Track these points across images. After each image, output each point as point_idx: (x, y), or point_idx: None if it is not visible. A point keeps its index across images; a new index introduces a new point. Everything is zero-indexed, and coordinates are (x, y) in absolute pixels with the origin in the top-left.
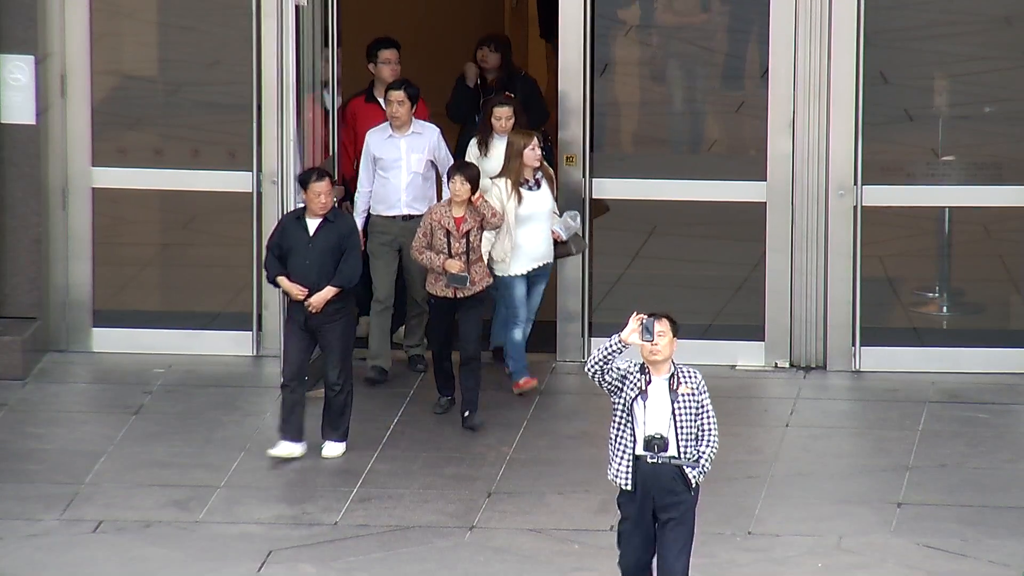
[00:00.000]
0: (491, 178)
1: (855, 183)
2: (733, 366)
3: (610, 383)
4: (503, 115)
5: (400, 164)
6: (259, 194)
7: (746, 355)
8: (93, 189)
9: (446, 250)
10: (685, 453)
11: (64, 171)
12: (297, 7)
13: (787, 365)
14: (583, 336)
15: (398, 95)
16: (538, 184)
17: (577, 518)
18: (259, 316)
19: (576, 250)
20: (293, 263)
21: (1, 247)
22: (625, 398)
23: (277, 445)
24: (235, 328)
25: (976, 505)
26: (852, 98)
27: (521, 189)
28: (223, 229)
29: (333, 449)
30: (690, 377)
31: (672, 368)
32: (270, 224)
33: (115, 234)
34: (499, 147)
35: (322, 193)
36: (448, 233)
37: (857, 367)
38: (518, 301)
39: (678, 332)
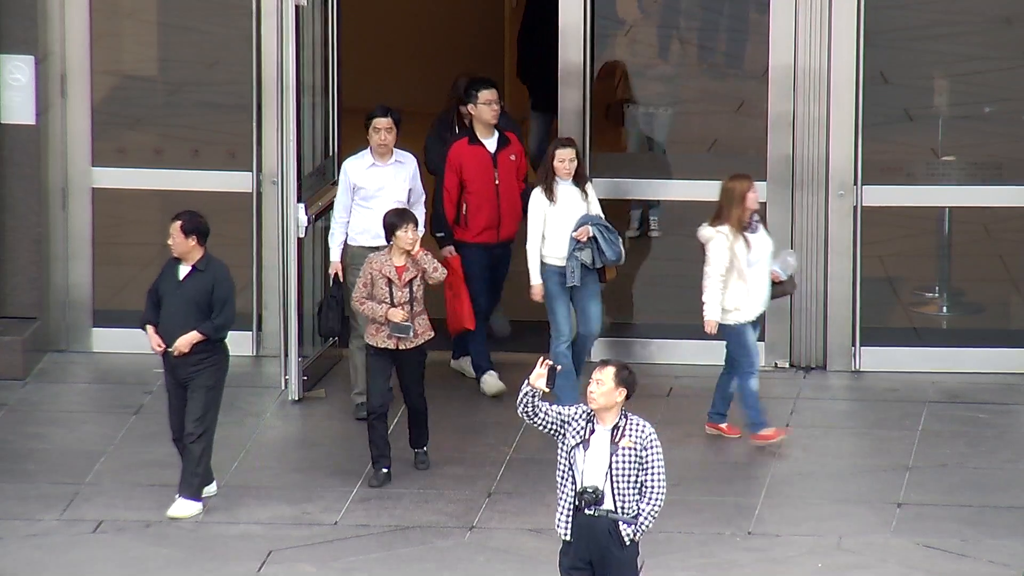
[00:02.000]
0: (710, 226)
1: (855, 183)
2: None
3: (545, 426)
4: (567, 157)
5: (384, 193)
6: (259, 194)
7: None
8: (93, 189)
9: (388, 300)
10: (622, 508)
11: (64, 171)
12: (297, 7)
13: (787, 365)
14: None
15: (385, 122)
16: (757, 226)
17: None
18: (259, 316)
19: (791, 289)
20: (163, 310)
21: (1, 247)
22: (567, 445)
23: (174, 504)
24: (235, 328)
25: (976, 505)
26: (852, 98)
27: (745, 234)
28: (223, 229)
29: (181, 508)
30: (636, 430)
31: (618, 419)
32: (270, 224)
33: (115, 234)
34: (565, 192)
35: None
36: (390, 282)
37: (857, 367)
38: (752, 349)
39: (629, 382)
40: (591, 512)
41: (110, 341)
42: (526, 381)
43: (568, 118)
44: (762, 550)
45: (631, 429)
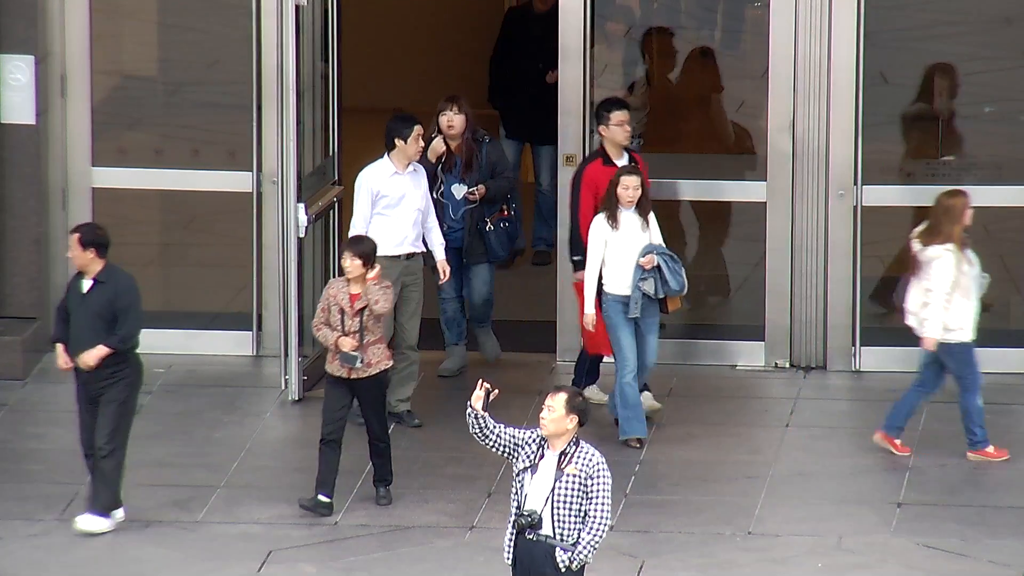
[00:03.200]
0: (926, 243)
1: (855, 183)
2: (733, 366)
3: (498, 448)
4: (631, 184)
5: (405, 201)
6: (259, 194)
7: (746, 355)
8: (93, 189)
9: (340, 328)
10: (561, 534)
11: (64, 171)
12: (297, 7)
13: (787, 365)
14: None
15: (419, 129)
16: (968, 243)
17: None
18: (259, 316)
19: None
20: (71, 325)
21: (1, 247)
22: (516, 468)
23: (81, 518)
24: (235, 328)
25: (976, 505)
26: (852, 98)
27: (965, 251)
28: (223, 229)
29: (89, 523)
30: (583, 457)
31: (567, 445)
32: (270, 224)
33: (115, 234)
34: (627, 220)
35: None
36: (342, 311)
37: (857, 367)
38: (977, 365)
39: (581, 409)
40: (531, 536)
41: None
42: (468, 403)
43: (568, 119)
44: (762, 550)
45: (579, 456)
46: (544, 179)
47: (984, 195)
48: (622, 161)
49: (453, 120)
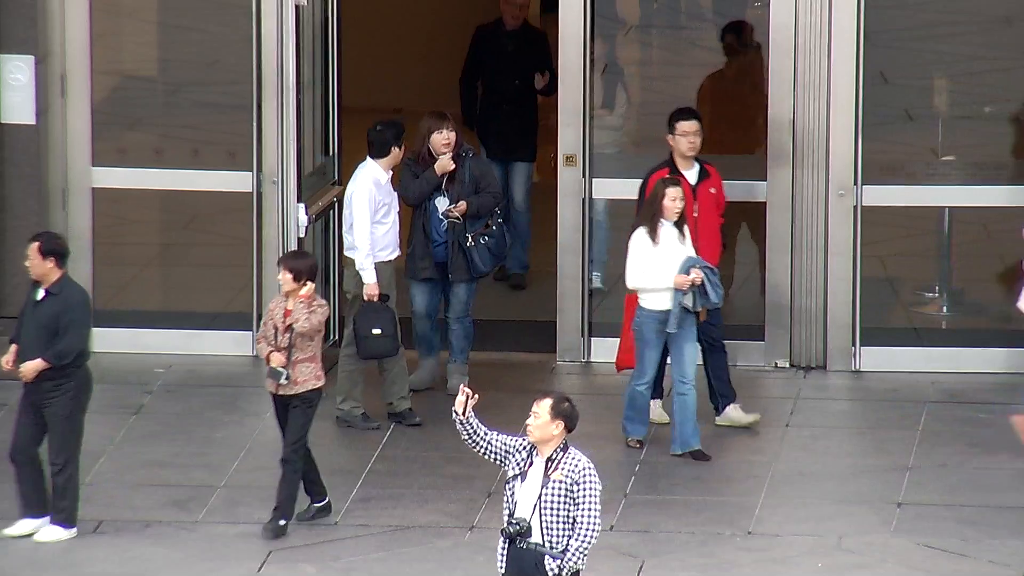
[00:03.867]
0: None
1: (855, 183)
2: (733, 365)
3: (489, 455)
4: (677, 196)
5: (393, 207)
6: (259, 194)
7: (746, 355)
8: (93, 189)
9: (274, 343)
10: (550, 542)
11: (64, 171)
12: (297, 7)
13: (787, 365)
14: (583, 336)
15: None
16: None
17: None
18: (259, 316)
19: None
20: (22, 332)
21: (1, 247)
22: (508, 476)
23: (15, 524)
24: (235, 328)
25: (976, 505)
26: (852, 98)
27: None
28: (223, 229)
29: (48, 533)
30: (570, 463)
31: (555, 451)
32: (270, 224)
33: (115, 234)
34: (667, 234)
35: None
36: (276, 326)
37: (857, 367)
38: None
39: (567, 414)
40: (521, 544)
41: (110, 341)
42: (453, 409)
43: (568, 118)
44: (762, 550)
45: (565, 462)
46: (518, 197)
47: (984, 195)
48: (690, 172)
49: (449, 138)
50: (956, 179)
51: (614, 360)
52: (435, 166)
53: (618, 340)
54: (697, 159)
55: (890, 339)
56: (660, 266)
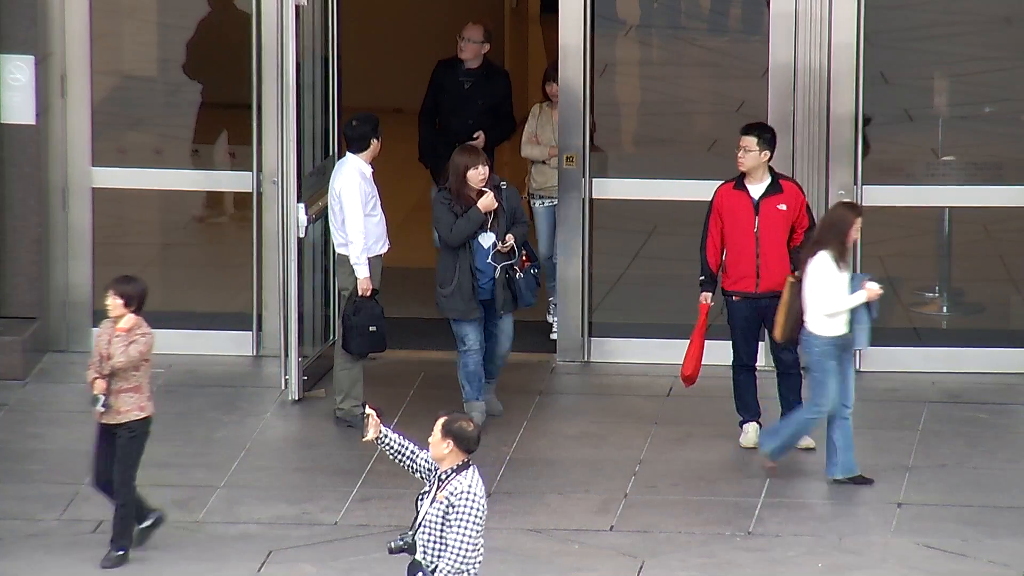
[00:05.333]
0: None
1: (855, 183)
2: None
3: (412, 471)
4: (859, 224)
5: (378, 199)
6: (259, 194)
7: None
8: (93, 189)
9: (99, 367)
10: (430, 561)
11: (64, 171)
12: (297, 7)
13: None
14: (583, 336)
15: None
16: None
17: (577, 518)
18: (259, 316)
19: None
20: None
21: (1, 247)
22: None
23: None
24: (235, 328)
25: (976, 505)
26: (852, 98)
27: None
28: (223, 229)
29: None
30: (456, 484)
31: (449, 471)
32: (270, 224)
33: (115, 234)
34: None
35: None
36: (99, 353)
37: (857, 367)
38: None
39: (455, 432)
40: (412, 559)
41: None
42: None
43: (568, 118)
44: (762, 550)
45: (452, 483)
46: None
47: (984, 195)
48: (756, 186)
49: (484, 173)
50: (956, 179)
51: (679, 371)
52: (479, 205)
53: (615, 339)
54: (775, 174)
55: (890, 339)
56: (841, 291)
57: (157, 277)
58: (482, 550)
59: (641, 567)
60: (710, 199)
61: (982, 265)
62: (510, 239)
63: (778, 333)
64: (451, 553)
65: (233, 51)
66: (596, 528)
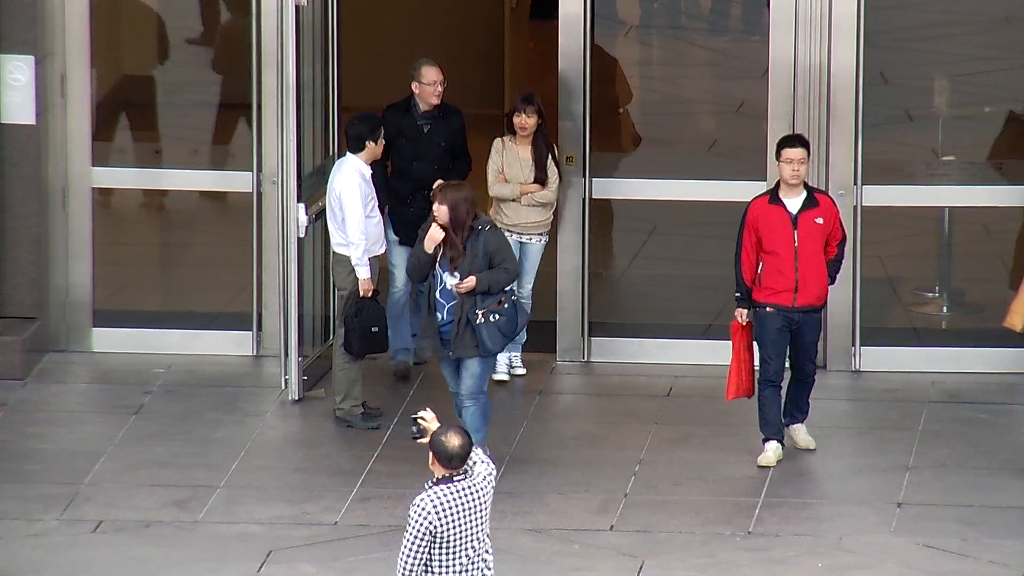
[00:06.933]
0: None
1: (855, 183)
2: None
3: None
4: None
5: (375, 200)
6: (259, 194)
7: None
8: (93, 189)
9: None
10: None
11: (64, 171)
12: (297, 7)
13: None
14: (583, 336)
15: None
16: None
17: (577, 518)
18: (259, 316)
19: None
20: None
21: (1, 247)
22: None
23: None
24: (235, 328)
25: (976, 505)
26: (852, 98)
27: None
28: (223, 229)
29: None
30: (418, 496)
31: (430, 482)
32: (270, 224)
33: (115, 234)
34: None
35: None
36: None
37: (857, 367)
38: None
39: (436, 450)
40: None
41: (110, 341)
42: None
43: (568, 118)
44: (762, 550)
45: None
46: None
47: (984, 195)
48: (793, 199)
49: (443, 210)
50: (956, 179)
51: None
52: (426, 239)
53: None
54: (808, 188)
55: (890, 339)
56: None
57: (156, 277)
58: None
59: (641, 567)
60: (743, 213)
61: (982, 265)
62: (467, 282)
63: (1017, 321)
64: (398, 565)
65: (233, 51)
66: (596, 528)
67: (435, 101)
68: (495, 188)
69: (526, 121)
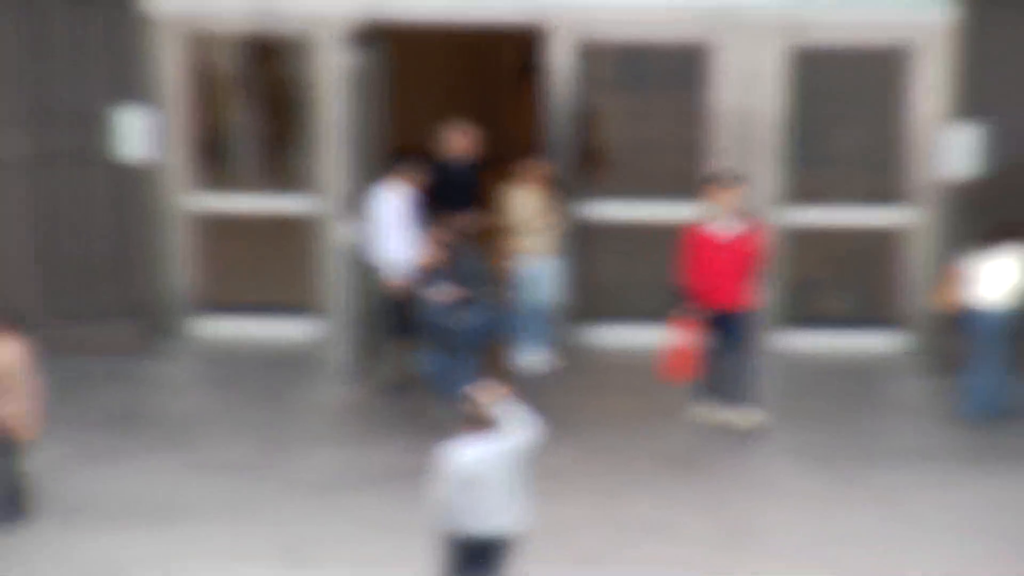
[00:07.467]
0: None
1: (778, 206)
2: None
3: None
4: None
5: (414, 220)
6: (317, 215)
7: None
8: (193, 213)
9: None
10: None
11: (168, 198)
12: (349, 67)
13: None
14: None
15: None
16: None
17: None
18: (317, 308)
19: None
20: None
21: (124, 258)
22: None
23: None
24: (302, 318)
25: (860, 452)
26: (775, 136)
27: None
28: (292, 240)
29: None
30: None
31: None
32: (327, 237)
33: (212, 247)
34: None
35: None
36: None
37: (770, 349)
38: None
39: (465, 413)
40: None
41: (209, 328)
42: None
43: (558, 152)
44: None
45: None
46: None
47: (869, 215)
48: (729, 223)
49: (438, 233)
50: (852, 202)
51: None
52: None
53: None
54: (741, 213)
55: (789, 323)
56: None
57: (241, 278)
58: (477, 519)
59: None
60: (687, 236)
61: (870, 268)
62: (444, 292)
63: (938, 302)
64: None
65: (297, 99)
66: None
67: (470, 152)
68: (523, 233)
69: (540, 167)
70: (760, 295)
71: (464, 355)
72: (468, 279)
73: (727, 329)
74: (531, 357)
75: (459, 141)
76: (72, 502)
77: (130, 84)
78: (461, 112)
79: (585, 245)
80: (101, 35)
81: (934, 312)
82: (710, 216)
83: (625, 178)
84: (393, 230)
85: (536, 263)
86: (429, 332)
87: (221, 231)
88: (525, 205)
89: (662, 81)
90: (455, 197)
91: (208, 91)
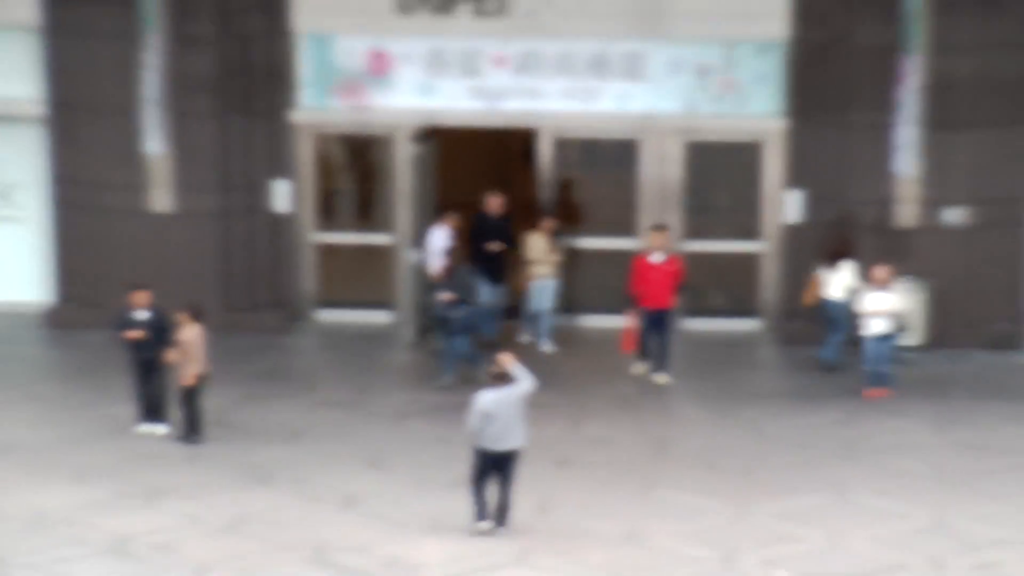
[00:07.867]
0: None
1: (680, 240)
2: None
3: None
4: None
5: (453, 247)
6: (394, 245)
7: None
8: (316, 243)
9: None
10: None
11: (303, 235)
12: (414, 151)
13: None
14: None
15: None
16: None
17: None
18: (393, 304)
19: None
20: None
21: (274, 271)
22: None
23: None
24: (383, 308)
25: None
26: (677, 198)
27: None
28: (375, 261)
29: None
30: None
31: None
32: (400, 260)
33: (328, 265)
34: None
35: None
36: None
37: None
38: None
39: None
40: None
41: (328, 316)
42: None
43: (550, 205)
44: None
45: None
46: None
47: (724, 245)
48: (660, 256)
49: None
50: (707, 238)
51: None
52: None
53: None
54: (665, 248)
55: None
56: None
57: (347, 284)
58: (495, 440)
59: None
60: (634, 261)
61: (738, 278)
62: (444, 297)
63: (809, 299)
64: None
65: (381, 173)
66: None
67: (498, 211)
68: (534, 261)
69: (548, 223)
70: (676, 300)
71: (457, 337)
72: (459, 288)
73: (656, 321)
74: (538, 341)
75: (495, 201)
76: (238, 428)
77: (280, 164)
78: (485, 182)
79: (570, 263)
80: (264, 134)
81: (786, 306)
82: (648, 248)
83: (590, 223)
84: (438, 255)
85: (544, 282)
86: (437, 322)
87: (334, 255)
88: (537, 246)
89: (609, 162)
90: (492, 237)
91: (326, 168)
